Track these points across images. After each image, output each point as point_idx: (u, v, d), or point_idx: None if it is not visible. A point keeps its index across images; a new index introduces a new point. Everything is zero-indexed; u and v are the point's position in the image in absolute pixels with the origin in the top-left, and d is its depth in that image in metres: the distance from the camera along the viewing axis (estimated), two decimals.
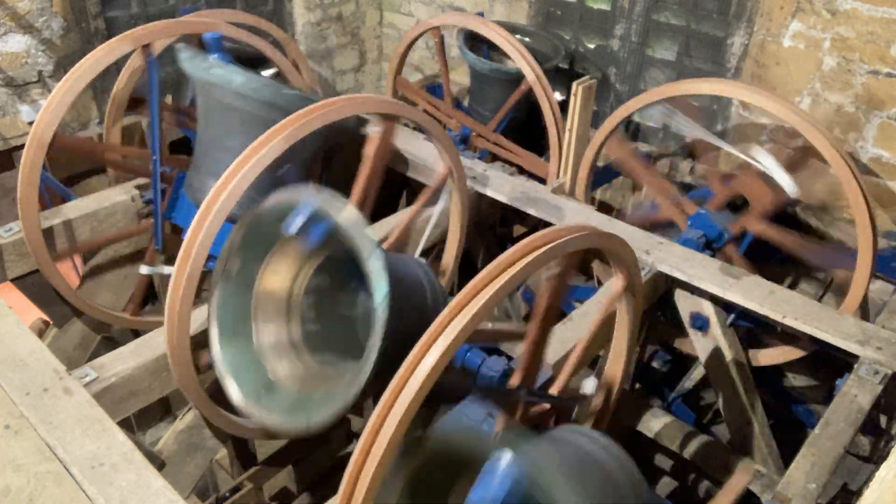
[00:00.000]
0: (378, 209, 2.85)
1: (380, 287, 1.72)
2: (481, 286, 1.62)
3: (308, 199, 1.90)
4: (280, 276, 2.19)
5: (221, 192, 2.16)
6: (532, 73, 3.58)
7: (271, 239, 2.08)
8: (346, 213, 1.86)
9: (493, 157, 3.98)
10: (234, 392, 1.97)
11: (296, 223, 1.89)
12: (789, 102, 2.94)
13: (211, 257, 2.25)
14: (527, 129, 4.12)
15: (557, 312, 1.92)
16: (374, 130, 2.44)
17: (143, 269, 3.19)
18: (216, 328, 2.08)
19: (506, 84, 3.91)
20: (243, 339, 2.10)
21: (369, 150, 2.42)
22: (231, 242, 2.12)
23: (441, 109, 4.14)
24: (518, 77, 3.72)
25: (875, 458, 3.00)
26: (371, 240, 1.78)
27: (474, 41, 4.18)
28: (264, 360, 2.10)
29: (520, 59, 3.60)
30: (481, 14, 4.14)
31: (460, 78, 4.75)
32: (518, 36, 4.07)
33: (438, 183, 2.80)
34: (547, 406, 2.07)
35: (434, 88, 4.39)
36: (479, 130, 4.03)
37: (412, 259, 2.38)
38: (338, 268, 2.28)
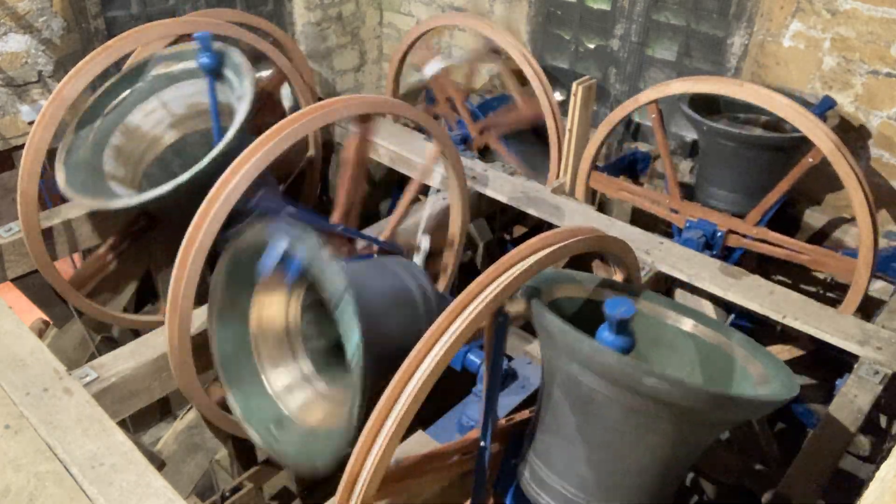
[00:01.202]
0: (382, 211, 2.86)
1: (352, 337, 1.72)
2: (480, 289, 1.62)
3: (279, 236, 1.88)
4: (272, 309, 2.20)
5: (221, 192, 2.16)
6: (549, 106, 3.62)
7: (254, 274, 2.06)
8: (313, 250, 1.84)
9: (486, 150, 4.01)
10: (252, 435, 2.07)
11: (269, 265, 1.90)
12: (790, 100, 2.94)
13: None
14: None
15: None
16: (352, 132, 2.44)
17: None
18: (223, 376, 2.15)
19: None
20: (249, 375, 2.14)
21: (348, 153, 2.42)
22: (214, 283, 2.15)
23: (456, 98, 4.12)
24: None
25: (875, 458, 3.00)
26: (340, 283, 1.75)
27: None
28: (278, 401, 2.14)
29: (540, 93, 3.63)
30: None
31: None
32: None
33: (426, 174, 2.78)
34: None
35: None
36: (483, 137, 4.03)
37: (397, 262, 2.37)
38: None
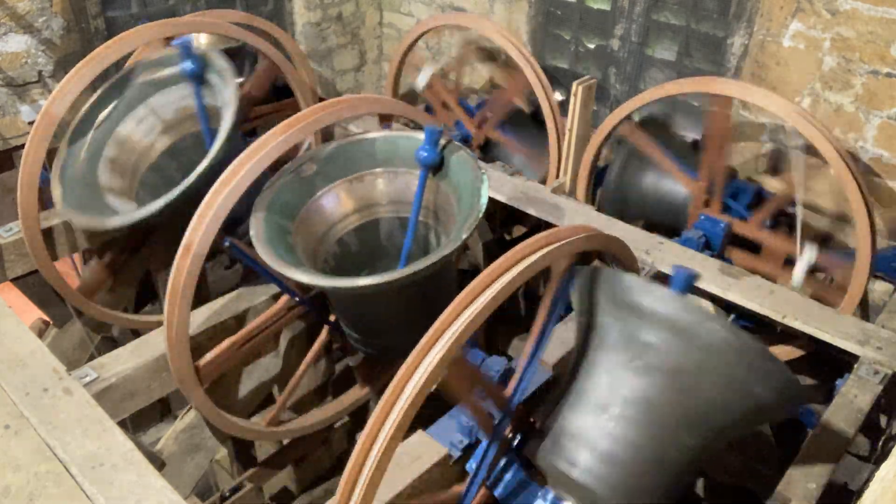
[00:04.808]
0: None
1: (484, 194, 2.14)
2: (480, 288, 1.62)
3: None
4: (335, 207, 2.46)
5: (220, 194, 2.16)
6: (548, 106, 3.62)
7: (357, 165, 2.44)
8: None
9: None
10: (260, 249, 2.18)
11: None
12: (790, 101, 2.94)
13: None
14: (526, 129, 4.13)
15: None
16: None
17: None
18: (267, 199, 2.30)
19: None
20: (279, 224, 2.32)
21: None
22: (320, 149, 2.44)
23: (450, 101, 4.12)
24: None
25: (875, 458, 3.00)
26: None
27: None
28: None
29: (540, 93, 3.65)
30: None
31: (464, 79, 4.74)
32: None
33: None
34: None
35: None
36: (482, 131, 4.03)
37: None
38: (364, 248, 2.50)
